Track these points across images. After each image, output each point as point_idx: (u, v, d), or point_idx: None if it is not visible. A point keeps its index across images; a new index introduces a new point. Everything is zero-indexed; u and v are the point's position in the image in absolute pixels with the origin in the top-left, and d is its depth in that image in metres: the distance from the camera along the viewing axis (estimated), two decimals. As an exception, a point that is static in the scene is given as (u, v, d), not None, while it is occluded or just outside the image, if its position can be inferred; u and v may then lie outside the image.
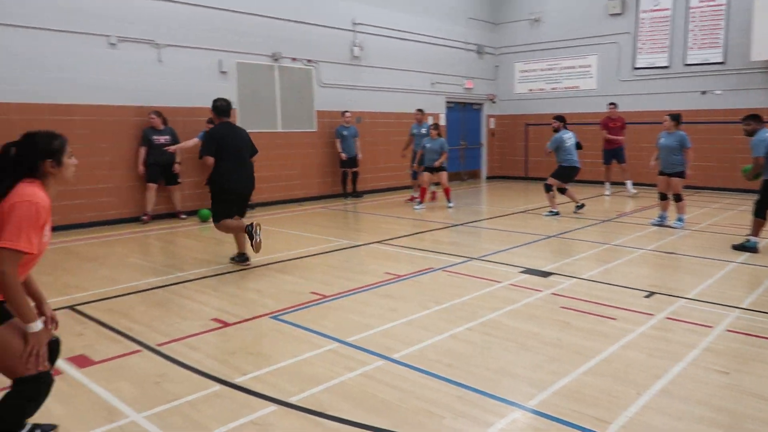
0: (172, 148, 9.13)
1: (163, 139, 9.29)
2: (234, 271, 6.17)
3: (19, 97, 8.16)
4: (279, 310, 4.82)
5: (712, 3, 13.23)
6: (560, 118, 10.02)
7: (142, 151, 9.24)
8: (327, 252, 7.10)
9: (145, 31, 9.39)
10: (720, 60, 13.23)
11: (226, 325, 4.49)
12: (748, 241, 6.97)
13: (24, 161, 2.59)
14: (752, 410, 3.10)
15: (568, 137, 9.81)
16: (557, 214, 9.78)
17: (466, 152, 16.50)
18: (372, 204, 11.69)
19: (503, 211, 10.60)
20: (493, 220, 9.57)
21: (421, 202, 10.92)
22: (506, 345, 4.04)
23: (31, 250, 2.46)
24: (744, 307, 4.85)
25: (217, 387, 3.43)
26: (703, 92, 13.48)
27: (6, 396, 2.60)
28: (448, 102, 15.44)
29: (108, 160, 9.12)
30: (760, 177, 6.98)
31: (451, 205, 10.90)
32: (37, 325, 2.52)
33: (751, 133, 7.11)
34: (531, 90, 16.31)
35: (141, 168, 9.26)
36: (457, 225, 9.12)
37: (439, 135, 10.81)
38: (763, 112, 12.46)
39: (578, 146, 10.00)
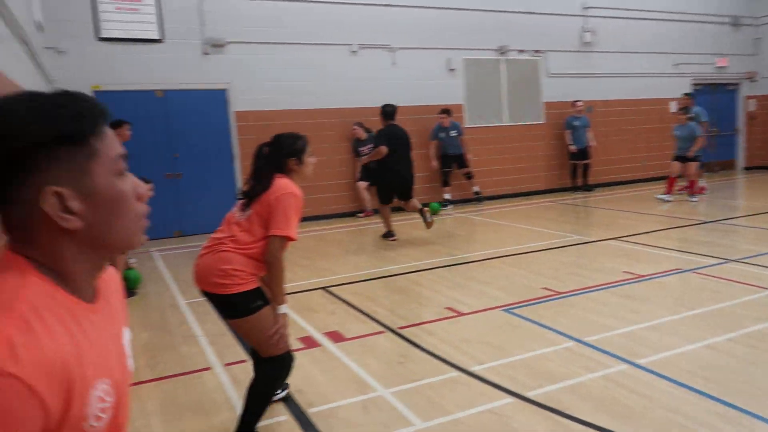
0: (364, 159, 9.02)
1: (366, 149, 9.43)
2: (464, 263, 6.34)
3: (284, 104, 9.42)
4: (510, 304, 4.82)
5: None
6: (689, 95, 8.10)
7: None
8: (557, 247, 6.88)
9: (381, 37, 10.10)
10: None
11: (459, 314, 4.65)
12: None
13: (274, 159, 2.90)
14: None
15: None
16: None
17: (717, 140, 14.50)
18: (604, 198, 10.99)
19: (762, 207, 9.11)
20: (754, 217, 8.28)
21: (667, 194, 9.90)
22: (778, 361, 3.50)
23: (296, 237, 2.79)
24: None
25: (455, 373, 3.57)
26: None
27: (253, 385, 2.85)
28: (695, 84, 13.74)
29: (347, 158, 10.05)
30: None
31: (694, 199, 9.81)
32: (286, 308, 2.80)
33: None
34: (806, 63, 13.70)
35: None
36: (708, 222, 8.09)
37: (691, 119, 9.68)
38: None
39: None
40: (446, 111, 10.47)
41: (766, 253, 6.07)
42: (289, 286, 5.50)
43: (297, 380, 3.47)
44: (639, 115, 12.89)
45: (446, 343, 4.06)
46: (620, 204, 10.12)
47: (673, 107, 13.21)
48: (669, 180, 9.95)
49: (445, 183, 10.79)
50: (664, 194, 9.88)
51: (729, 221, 8.10)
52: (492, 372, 3.56)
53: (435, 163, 10.53)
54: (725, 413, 2.94)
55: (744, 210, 9.00)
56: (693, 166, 9.68)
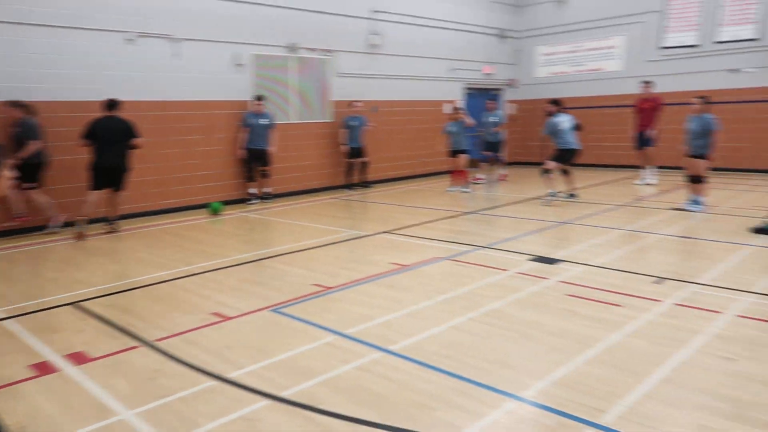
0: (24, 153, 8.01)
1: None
2: (238, 265, 6.18)
3: (42, 95, 8.25)
4: (280, 303, 4.80)
5: (742, -24, 12.71)
6: (555, 102, 9.78)
7: None
8: (333, 243, 7.06)
9: (162, 25, 9.41)
10: (754, 36, 12.70)
11: (225, 318, 4.50)
12: (766, 223, 6.71)
13: None
14: (758, 398, 2.98)
15: (563, 120, 9.57)
16: (556, 195, 9.55)
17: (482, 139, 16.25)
18: (383, 193, 11.62)
19: (519, 197, 10.42)
20: (506, 207, 9.42)
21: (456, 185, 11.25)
22: (508, 335, 3.96)
23: None
24: (758, 291, 4.66)
25: (211, 382, 3.42)
26: (735, 70, 12.98)
27: None
28: (466, 88, 15.22)
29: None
30: None
31: (467, 190, 11.20)
32: None
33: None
34: (553, 73, 15.97)
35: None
36: (468, 213, 8.99)
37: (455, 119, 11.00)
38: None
39: (578, 128, 9.76)
40: (260, 97, 10.28)
41: (509, 239, 6.91)
42: (29, 305, 4.88)
43: (19, 417, 3.03)
44: (418, 115, 13.87)
45: (207, 351, 3.88)
46: (397, 199, 10.78)
47: (446, 109, 14.47)
48: (458, 173, 11.26)
49: (251, 178, 10.58)
50: (452, 186, 11.28)
51: (485, 211, 9.08)
52: (251, 376, 3.48)
53: (240, 153, 10.35)
54: (460, 387, 3.24)
55: (500, 201, 10.16)
56: (463, 159, 10.98)
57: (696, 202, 8.41)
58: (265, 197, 10.77)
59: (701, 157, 8.37)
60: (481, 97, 15.97)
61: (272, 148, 10.60)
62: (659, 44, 14.02)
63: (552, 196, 9.56)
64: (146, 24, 9.26)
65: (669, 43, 13.87)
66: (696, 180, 8.39)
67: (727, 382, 3.15)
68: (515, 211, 9.00)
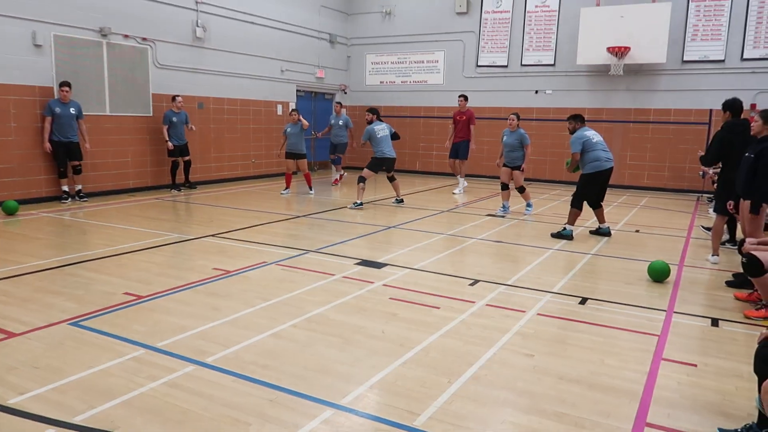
0: None
1: None
2: (34, 272, 5.43)
3: None
4: (81, 315, 4.28)
5: (546, 9, 14.26)
6: (373, 111, 10.12)
7: None
8: (153, 247, 6.53)
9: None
10: (551, 62, 14.33)
11: (10, 335, 3.89)
12: (564, 229, 7.57)
13: None
14: (550, 390, 3.27)
15: (380, 129, 9.94)
16: (361, 205, 9.72)
17: (317, 142, 16.31)
18: (212, 195, 11.10)
19: (348, 202, 10.58)
20: (337, 212, 9.51)
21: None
22: (329, 340, 3.93)
23: None
24: (555, 291, 5.20)
25: (-17, 411, 2.91)
26: (536, 91, 14.53)
27: None
28: (298, 90, 15.14)
29: None
30: (578, 170, 7.64)
31: (311, 192, 11.48)
32: None
33: (572, 131, 7.72)
34: (382, 82, 16.54)
35: None
36: (299, 216, 8.91)
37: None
38: (587, 111, 13.76)
39: (395, 137, 10.18)
40: (67, 84, 9.30)
41: (338, 243, 6.96)
42: None
43: None
44: (248, 114, 13.48)
45: (-18, 374, 3.31)
46: (226, 200, 10.36)
47: (279, 110, 14.27)
48: (290, 176, 11.37)
49: (62, 174, 9.45)
50: (286, 189, 11.33)
51: (316, 215, 9.08)
52: (37, 401, 3.03)
53: (47, 146, 9.26)
54: (276, 398, 3.11)
55: (330, 205, 10.23)
56: (303, 161, 11.29)
57: (529, 206, 9.52)
58: (80, 196, 9.68)
59: (517, 168, 9.28)
60: (316, 100, 16.03)
61: (87, 144, 9.59)
62: (475, 62, 15.22)
63: (358, 206, 9.68)
64: None
65: (483, 62, 15.13)
66: (521, 190, 9.37)
67: (525, 378, 3.43)
68: (345, 215, 9.10)
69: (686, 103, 13.00)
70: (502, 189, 9.49)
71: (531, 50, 14.55)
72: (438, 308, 4.64)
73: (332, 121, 13.35)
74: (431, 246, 6.98)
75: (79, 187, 9.75)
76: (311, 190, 11.47)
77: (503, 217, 9.16)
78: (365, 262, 6.00)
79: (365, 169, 9.94)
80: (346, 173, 14.38)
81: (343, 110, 13.75)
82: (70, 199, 9.58)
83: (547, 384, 3.35)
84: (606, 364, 3.65)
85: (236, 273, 5.53)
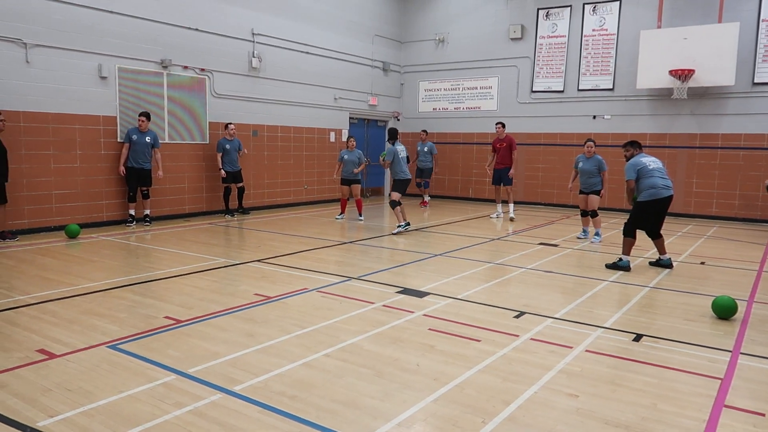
0: None
1: None
2: (83, 294, 5.57)
3: None
4: (120, 339, 4.33)
5: (603, 32, 13.92)
6: (392, 133, 10.19)
7: None
8: (199, 272, 6.61)
9: (9, 28, 8.55)
10: (610, 87, 13.90)
11: (51, 356, 3.96)
12: (620, 260, 7.17)
13: None
14: (594, 437, 3.00)
15: (401, 150, 10.01)
16: (408, 225, 9.90)
17: (369, 169, 16.38)
18: (263, 220, 11.24)
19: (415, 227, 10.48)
20: (385, 238, 9.41)
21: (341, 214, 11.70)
22: (361, 372, 3.78)
23: None
24: (606, 326, 4.87)
25: (13, 433, 2.93)
26: (594, 116, 14.10)
27: None
28: (351, 118, 15.29)
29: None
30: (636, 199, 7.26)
31: (361, 218, 11.46)
32: None
33: (629, 158, 7.37)
34: (435, 109, 16.50)
35: None
36: (346, 242, 8.86)
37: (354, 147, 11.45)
38: (648, 137, 13.24)
39: (408, 159, 10.35)
40: (145, 114, 9.86)
41: (382, 270, 6.84)
42: None
43: None
44: (301, 142, 13.69)
45: (18, 395, 3.36)
46: (276, 226, 10.46)
47: (332, 137, 14.45)
48: (345, 201, 11.65)
49: (131, 198, 9.95)
50: (341, 214, 11.64)
51: (363, 242, 9.00)
52: (64, 424, 3.03)
53: (122, 170, 9.79)
54: (300, 431, 3.00)
55: (379, 231, 10.14)
56: (357, 188, 11.44)
57: (597, 234, 9.29)
58: (146, 220, 10.06)
59: (596, 193, 9.21)
60: (368, 127, 16.15)
61: (159, 171, 10.12)
62: (529, 88, 14.95)
63: (403, 227, 9.79)
64: (-3, 24, 8.40)
65: (538, 87, 14.84)
66: (594, 215, 9.22)
67: (566, 420, 3.17)
68: (393, 242, 9.00)
69: (758, 127, 12.26)
70: (582, 216, 9.56)
71: (588, 75, 14.19)
72: (478, 341, 4.42)
73: (418, 148, 14.36)
74: (477, 275, 6.75)
75: (147, 211, 10.14)
76: (360, 216, 11.48)
77: (592, 242, 9.26)
78: (407, 291, 5.84)
79: (394, 193, 9.98)
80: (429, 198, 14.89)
81: (428, 138, 14.65)
82: (135, 223, 9.95)
83: (590, 428, 3.08)
84: (659, 409, 3.34)
85: (276, 299, 5.49)
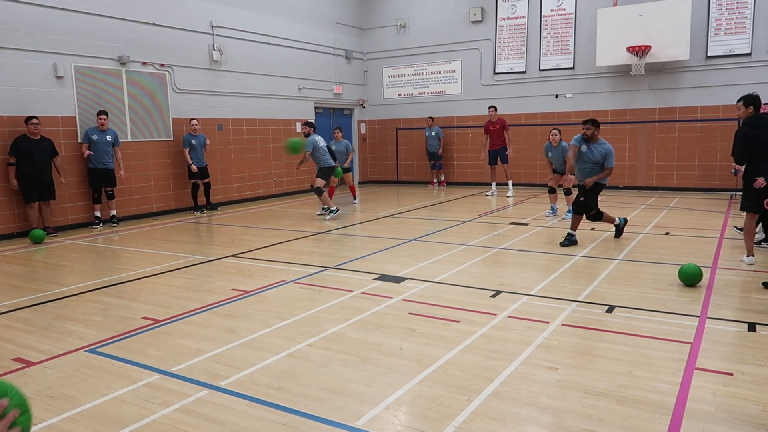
0: None
1: None
2: (54, 300, 5.46)
3: None
4: (98, 342, 4.27)
5: (562, 12, 14.09)
6: (309, 124, 10.41)
7: None
8: (173, 270, 6.54)
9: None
10: (570, 65, 14.12)
11: (28, 365, 3.89)
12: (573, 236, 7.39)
13: None
14: (575, 405, 3.11)
15: (320, 139, 10.20)
16: (338, 210, 10.15)
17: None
18: (233, 215, 11.14)
19: (369, 216, 10.52)
20: (357, 227, 9.44)
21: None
22: (345, 359, 3.82)
23: None
24: (580, 300, 5.02)
25: (-4, 443, 2.88)
26: (557, 96, 14.32)
27: None
28: (317, 107, 15.20)
29: None
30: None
31: (355, 201, 12.44)
32: None
33: (590, 138, 7.42)
34: (400, 95, 16.51)
35: None
36: (319, 233, 8.86)
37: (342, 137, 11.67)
38: (609, 113, 13.53)
39: (328, 149, 10.58)
40: (104, 112, 9.71)
41: (357, 258, 6.87)
42: None
43: None
44: (268, 134, 13.56)
45: (-3, 405, 3.29)
46: (246, 220, 10.38)
47: (299, 128, 14.33)
48: (330, 189, 11.40)
49: (96, 200, 9.77)
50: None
51: (336, 231, 9.02)
52: (48, 431, 2.99)
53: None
54: (290, 422, 3.02)
55: (351, 220, 10.17)
56: (349, 176, 11.97)
57: (568, 211, 9.32)
58: (113, 221, 9.86)
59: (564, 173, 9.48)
60: (334, 116, 16.08)
61: (122, 171, 9.89)
62: (492, 70, 15.09)
63: (331, 212, 10.04)
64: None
65: (500, 69, 14.99)
66: (567, 192, 9.38)
67: (549, 392, 3.27)
68: (366, 230, 9.03)
69: (713, 99, 12.64)
70: (550, 193, 9.88)
71: (549, 54, 14.37)
72: (458, 322, 4.50)
73: (426, 134, 15.33)
74: (452, 257, 6.84)
75: (114, 212, 9.93)
76: (355, 199, 12.46)
77: (552, 218, 9.67)
78: (384, 277, 5.89)
79: (318, 180, 10.14)
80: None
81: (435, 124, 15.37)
82: (101, 225, 9.74)
83: (572, 399, 3.18)
84: (635, 375, 3.47)
85: (254, 293, 5.48)
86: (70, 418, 3.14)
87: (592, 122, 7.44)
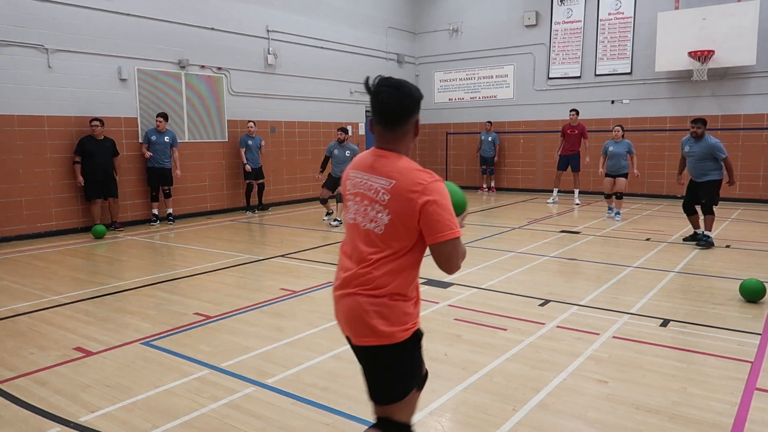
0: None
1: None
2: (114, 293, 5.70)
3: None
4: (153, 335, 4.43)
5: (620, 15, 13.73)
6: (344, 130, 10.00)
7: None
8: (225, 268, 6.71)
9: (31, 34, 8.71)
10: (627, 70, 13.73)
11: (88, 354, 4.07)
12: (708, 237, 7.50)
13: None
14: (625, 421, 3.02)
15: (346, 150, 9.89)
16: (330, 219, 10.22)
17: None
18: (283, 216, 11.33)
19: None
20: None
21: None
22: (390, 363, 3.83)
23: None
24: (633, 312, 4.87)
25: (57, 428, 3.04)
26: (612, 101, 13.95)
27: None
28: (367, 111, 15.29)
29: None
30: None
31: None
32: None
33: (699, 137, 7.56)
34: (451, 99, 16.44)
35: None
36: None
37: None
38: (668, 120, 13.10)
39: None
40: (163, 115, 10.03)
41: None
42: None
43: None
44: (319, 137, 13.75)
45: (59, 392, 3.47)
46: (297, 221, 10.54)
47: (350, 131, 14.46)
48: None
49: (154, 198, 10.16)
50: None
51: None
52: (105, 419, 3.13)
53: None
54: (333, 422, 3.06)
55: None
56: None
57: (617, 213, 10.09)
58: (169, 219, 10.23)
59: (623, 176, 9.96)
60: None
61: (178, 170, 10.23)
62: (546, 74, 14.83)
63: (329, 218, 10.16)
64: (18, 33, 8.55)
65: (554, 74, 14.71)
66: (619, 196, 9.97)
67: (597, 406, 3.19)
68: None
69: (781, 106, 12.04)
70: (606, 197, 10.20)
71: (605, 59, 14.02)
72: (505, 330, 4.45)
73: (482, 137, 15.00)
74: (500, 264, 6.75)
75: (170, 210, 10.29)
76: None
77: (615, 219, 9.92)
78: (431, 282, 5.88)
79: (325, 189, 10.01)
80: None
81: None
82: (158, 222, 10.11)
83: (621, 414, 3.09)
84: (689, 393, 3.34)
85: (302, 293, 5.56)
86: (125, 407, 3.27)
87: (702, 122, 7.65)
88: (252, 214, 11.50)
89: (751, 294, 5.08)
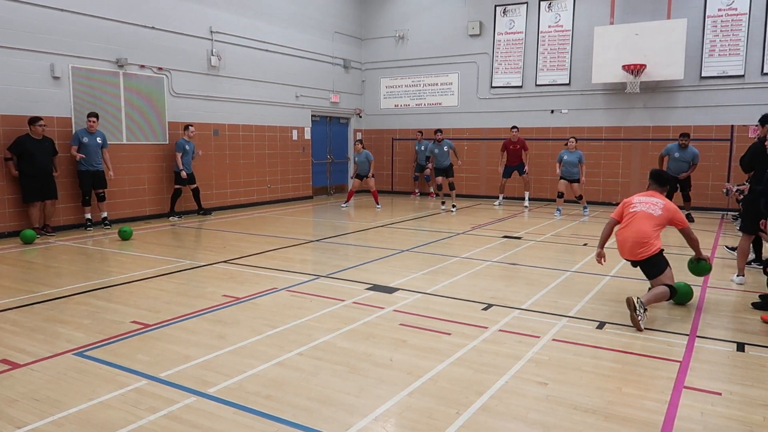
0: None
1: None
2: (44, 301, 5.42)
3: None
4: (87, 345, 4.24)
5: (559, 28, 14.22)
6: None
7: None
8: (165, 274, 6.51)
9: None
10: (566, 81, 14.23)
11: (15, 366, 3.85)
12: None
13: None
14: (564, 421, 3.11)
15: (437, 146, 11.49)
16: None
17: (332, 166, 16.37)
18: (226, 221, 11.11)
19: (363, 225, 10.52)
20: (350, 236, 9.44)
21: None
22: (335, 369, 3.81)
23: None
24: (572, 315, 5.03)
25: (-21, 446, 2.86)
26: (552, 111, 14.42)
27: None
28: (313, 116, 15.23)
29: None
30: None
31: (379, 206, 13.51)
32: None
33: (686, 146, 10.13)
34: (396, 105, 16.57)
35: None
36: (312, 241, 8.85)
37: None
38: (604, 129, 13.63)
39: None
40: (95, 114, 9.62)
41: (350, 267, 6.86)
42: None
43: None
44: (263, 140, 13.57)
45: (-18, 407, 3.26)
46: (240, 226, 10.35)
47: (295, 135, 14.36)
48: (350, 192, 13.44)
49: (86, 201, 9.74)
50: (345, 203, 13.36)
51: (329, 239, 9.01)
52: (33, 435, 2.96)
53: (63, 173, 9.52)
54: (276, 431, 3.00)
55: (344, 229, 10.17)
56: (371, 181, 13.23)
57: (585, 208, 12.22)
58: (105, 223, 9.81)
59: (576, 181, 11.87)
60: (330, 125, 16.11)
61: (111, 172, 9.83)
62: (489, 83, 15.18)
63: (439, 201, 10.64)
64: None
65: (497, 83, 15.08)
66: (580, 198, 11.96)
67: (537, 407, 3.27)
68: (359, 239, 9.03)
69: (707, 119, 12.76)
70: (558, 197, 11.97)
71: (545, 70, 14.48)
72: (449, 334, 4.50)
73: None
74: (445, 269, 6.84)
75: (105, 214, 9.89)
76: (378, 205, 13.22)
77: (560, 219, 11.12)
78: (376, 287, 5.89)
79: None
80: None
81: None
82: (93, 227, 9.69)
83: (560, 415, 3.18)
84: (624, 392, 3.48)
85: (245, 300, 5.46)
86: (55, 421, 3.11)
87: (688, 135, 11.10)
88: (177, 219, 11.10)
89: (679, 297, 5.35)
